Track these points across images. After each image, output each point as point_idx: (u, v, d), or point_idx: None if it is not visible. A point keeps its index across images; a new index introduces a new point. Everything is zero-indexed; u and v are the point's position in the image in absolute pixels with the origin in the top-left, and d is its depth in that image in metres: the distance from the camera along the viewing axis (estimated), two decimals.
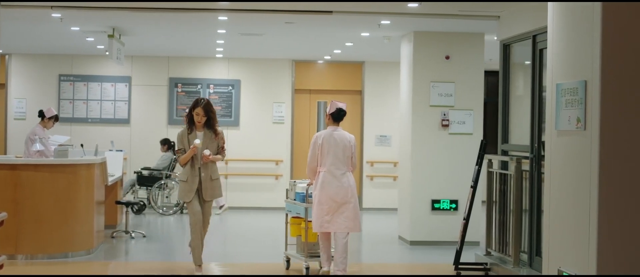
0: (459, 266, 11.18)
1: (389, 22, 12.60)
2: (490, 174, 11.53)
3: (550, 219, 7.19)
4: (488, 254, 11.56)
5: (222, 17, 12.43)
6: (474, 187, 11.28)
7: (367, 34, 14.20)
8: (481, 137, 13.86)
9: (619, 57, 6.51)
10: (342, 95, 19.11)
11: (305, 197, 10.66)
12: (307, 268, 10.66)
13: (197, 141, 10.49)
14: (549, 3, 7.74)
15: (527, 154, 10.71)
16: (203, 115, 10.57)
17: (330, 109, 10.32)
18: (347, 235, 10.32)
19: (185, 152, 10.59)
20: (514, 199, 10.66)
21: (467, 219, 11.27)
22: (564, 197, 6.98)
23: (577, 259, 6.64)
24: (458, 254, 11.17)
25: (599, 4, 6.62)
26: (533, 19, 10.52)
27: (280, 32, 14.28)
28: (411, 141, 13.75)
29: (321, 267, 10.61)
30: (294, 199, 10.93)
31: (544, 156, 10.28)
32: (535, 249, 10.44)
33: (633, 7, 6.58)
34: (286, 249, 11.40)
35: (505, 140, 11.68)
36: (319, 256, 10.72)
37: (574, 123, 6.69)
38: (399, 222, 14.50)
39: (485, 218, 11.77)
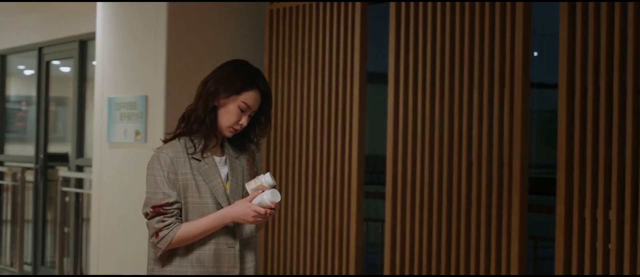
0: None
1: None
2: None
3: (100, 227, 7.44)
4: None
5: None
6: None
7: None
8: None
9: (185, 68, 6.58)
10: None
11: None
12: None
13: (269, 179, 3.72)
14: (99, 4, 7.31)
15: (29, 165, 10.80)
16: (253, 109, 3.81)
17: None
18: None
19: (191, 206, 3.74)
20: (19, 209, 10.71)
21: None
22: (118, 205, 7.24)
23: (133, 263, 6.99)
24: None
25: (164, 4, 6.43)
26: (36, 31, 10.61)
27: None
28: None
29: None
30: None
31: (50, 166, 10.51)
32: (41, 259, 10.59)
33: (195, 8, 6.63)
34: None
35: (1, 150, 11.64)
36: None
37: (132, 135, 6.98)
38: None
39: None
